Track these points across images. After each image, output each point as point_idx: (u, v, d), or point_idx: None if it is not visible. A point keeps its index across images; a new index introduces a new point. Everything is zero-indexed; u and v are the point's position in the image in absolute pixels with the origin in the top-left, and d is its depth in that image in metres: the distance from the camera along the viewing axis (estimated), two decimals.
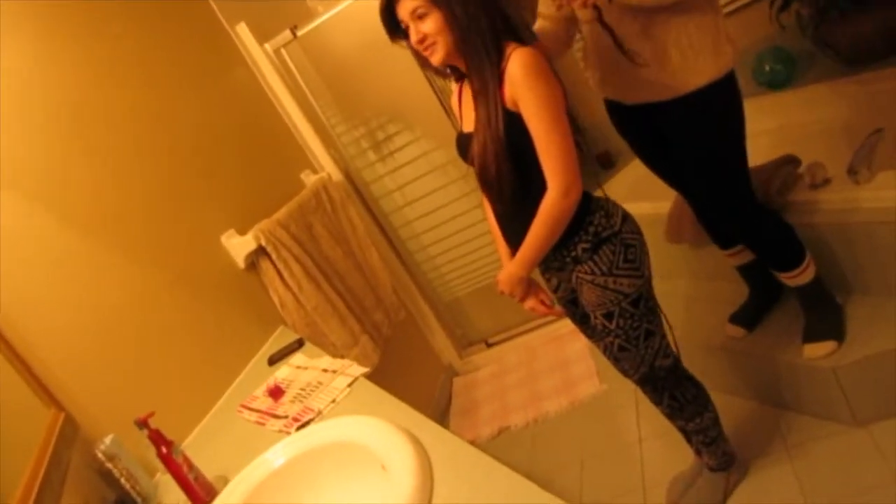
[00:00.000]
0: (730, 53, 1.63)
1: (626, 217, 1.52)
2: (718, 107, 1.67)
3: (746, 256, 2.03)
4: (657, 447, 2.16)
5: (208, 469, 1.42)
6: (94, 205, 1.79)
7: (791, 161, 2.08)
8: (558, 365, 2.85)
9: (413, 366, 2.98)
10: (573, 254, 1.49)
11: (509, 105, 1.36)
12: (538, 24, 1.69)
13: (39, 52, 1.81)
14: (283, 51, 2.73)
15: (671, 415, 1.75)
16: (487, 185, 1.48)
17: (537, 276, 1.62)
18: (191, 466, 1.37)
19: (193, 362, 1.90)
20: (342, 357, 1.93)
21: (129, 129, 2.00)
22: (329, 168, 2.81)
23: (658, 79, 1.62)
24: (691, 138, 1.70)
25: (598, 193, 1.54)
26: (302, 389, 1.63)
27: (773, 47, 2.68)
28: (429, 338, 3.15)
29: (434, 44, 1.38)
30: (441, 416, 2.96)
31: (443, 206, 2.89)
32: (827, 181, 1.98)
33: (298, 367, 1.80)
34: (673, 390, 1.69)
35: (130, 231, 1.87)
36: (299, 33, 2.65)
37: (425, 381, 3.02)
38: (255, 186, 2.44)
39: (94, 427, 1.52)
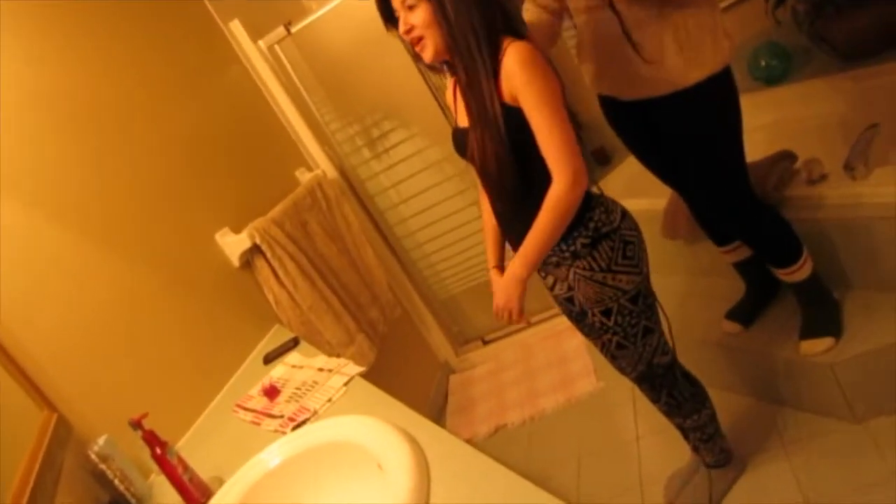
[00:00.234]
0: (727, 48, 1.63)
1: (625, 214, 1.52)
2: (716, 101, 1.66)
3: (743, 253, 2.03)
4: (654, 444, 2.16)
5: (203, 470, 1.41)
6: (86, 203, 1.77)
7: (787, 157, 2.08)
8: (555, 362, 2.84)
9: (409, 363, 2.97)
10: (572, 248, 1.47)
11: (507, 99, 1.35)
12: (527, 16, 1.68)
13: (31, 50, 1.79)
14: (276, 48, 2.71)
15: (668, 412, 1.75)
16: (489, 180, 1.47)
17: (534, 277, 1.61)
18: (185, 467, 1.37)
19: (188, 362, 1.89)
20: (338, 355, 1.92)
21: (123, 127, 1.98)
22: (324, 165, 2.80)
23: (656, 74, 1.61)
24: (689, 134, 1.70)
25: (594, 190, 1.53)
26: (297, 389, 1.62)
27: (769, 42, 2.69)
28: (425, 335, 3.14)
29: (423, 38, 1.36)
30: (438, 413, 2.95)
31: (438, 203, 2.89)
32: (823, 177, 1.98)
33: (294, 366, 1.79)
34: (670, 388, 1.68)
35: (124, 230, 1.85)
36: (293, 30, 2.63)
37: (422, 379, 3.02)
38: (250, 184, 2.43)
39: (87, 428, 1.51)
